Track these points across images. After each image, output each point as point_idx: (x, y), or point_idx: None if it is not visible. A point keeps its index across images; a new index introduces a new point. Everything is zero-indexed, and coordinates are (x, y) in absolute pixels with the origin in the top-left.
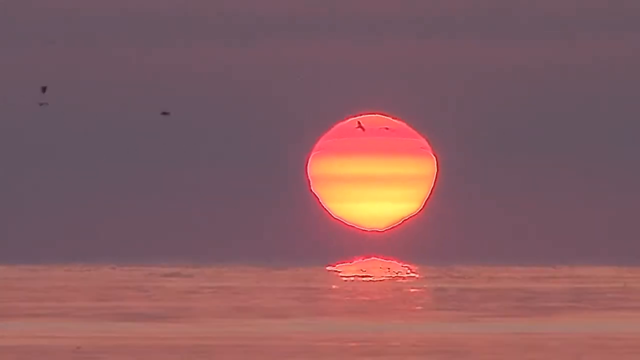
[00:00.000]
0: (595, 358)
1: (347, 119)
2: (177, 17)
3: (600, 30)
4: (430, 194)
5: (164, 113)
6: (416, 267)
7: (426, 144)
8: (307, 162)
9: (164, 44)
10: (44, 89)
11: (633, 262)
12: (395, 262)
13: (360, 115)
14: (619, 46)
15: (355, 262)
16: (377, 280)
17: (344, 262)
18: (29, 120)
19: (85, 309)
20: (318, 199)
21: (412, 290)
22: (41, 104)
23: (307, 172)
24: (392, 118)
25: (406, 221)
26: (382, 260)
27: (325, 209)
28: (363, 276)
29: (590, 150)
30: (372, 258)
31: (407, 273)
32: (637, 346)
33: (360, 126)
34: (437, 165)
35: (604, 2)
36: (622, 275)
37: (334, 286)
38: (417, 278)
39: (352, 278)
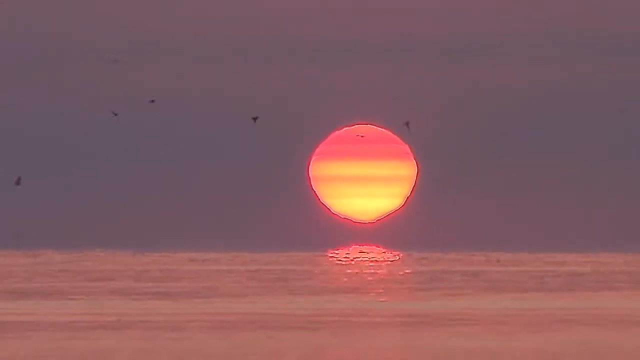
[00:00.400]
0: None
1: (342, 128)
2: (197, 48)
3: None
4: (411, 192)
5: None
6: (398, 253)
7: (408, 150)
8: (309, 165)
9: (181, 66)
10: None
11: (585, 249)
12: (381, 248)
13: (353, 125)
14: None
15: (349, 248)
16: (366, 263)
17: (340, 249)
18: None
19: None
20: (318, 196)
21: (393, 271)
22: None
23: (308, 173)
24: (381, 128)
25: (390, 215)
26: (371, 247)
27: (324, 204)
28: (355, 259)
29: (540, 157)
30: (363, 245)
31: (391, 257)
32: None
33: (360, 135)
34: (417, 168)
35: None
36: (566, 260)
37: (332, 267)
38: (398, 261)
39: (346, 261)
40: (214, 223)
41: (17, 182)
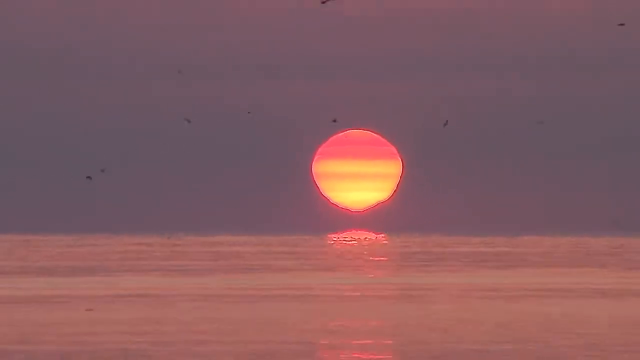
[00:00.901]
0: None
1: (339, 132)
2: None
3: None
4: (397, 186)
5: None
6: (385, 236)
7: (395, 151)
8: (312, 163)
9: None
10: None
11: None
12: (371, 232)
13: (348, 130)
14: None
15: (345, 232)
16: (360, 243)
17: (338, 233)
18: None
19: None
20: (319, 189)
21: (380, 250)
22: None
23: (312, 171)
24: (372, 132)
25: (379, 205)
26: (363, 231)
27: (324, 196)
28: (350, 241)
29: (497, 157)
30: (356, 230)
31: (379, 240)
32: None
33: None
34: (402, 166)
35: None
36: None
37: (333, 247)
38: (385, 243)
39: (344, 241)
40: (237, 213)
41: (89, 178)
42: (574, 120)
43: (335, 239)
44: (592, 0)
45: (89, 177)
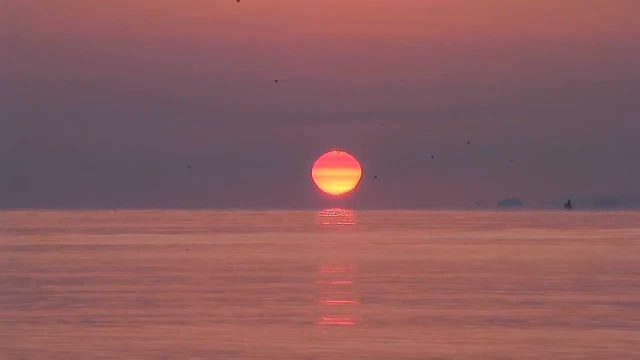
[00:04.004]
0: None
1: (327, 152)
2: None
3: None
4: (358, 182)
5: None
6: (353, 212)
7: (358, 162)
8: (311, 170)
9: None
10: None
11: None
12: (344, 209)
13: (332, 150)
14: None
15: (329, 209)
16: (338, 215)
17: (325, 210)
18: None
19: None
20: (316, 184)
21: (349, 218)
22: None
23: (311, 173)
24: (345, 152)
25: (348, 193)
26: (339, 209)
27: (318, 188)
28: (334, 215)
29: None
30: (336, 208)
31: (348, 213)
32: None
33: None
34: (361, 170)
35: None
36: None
37: (322, 218)
38: (353, 217)
39: (329, 215)
40: (264, 198)
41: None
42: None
43: (323, 213)
44: None
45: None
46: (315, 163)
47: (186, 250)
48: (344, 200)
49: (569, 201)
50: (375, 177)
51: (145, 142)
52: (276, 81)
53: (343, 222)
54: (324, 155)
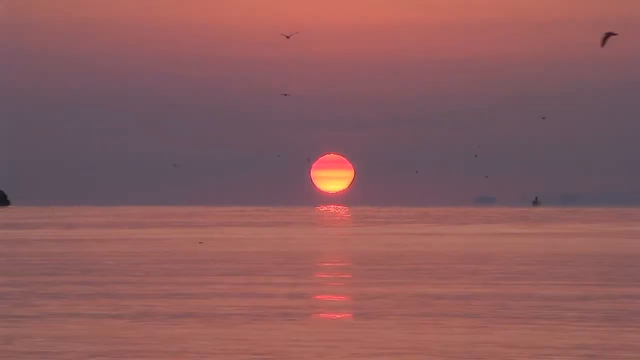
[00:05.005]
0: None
1: (323, 155)
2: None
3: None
4: (352, 181)
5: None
6: (346, 208)
7: (351, 164)
8: (310, 170)
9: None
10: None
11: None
12: (339, 205)
13: (328, 153)
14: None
15: (325, 205)
16: (333, 211)
17: (322, 206)
18: None
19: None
20: (314, 184)
21: (343, 213)
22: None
23: (310, 173)
24: (340, 155)
25: (343, 190)
26: (334, 205)
27: (317, 187)
28: (329, 210)
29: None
30: (331, 205)
31: (343, 210)
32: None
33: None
34: (354, 171)
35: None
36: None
37: (320, 214)
38: (346, 212)
39: (325, 210)
40: (267, 195)
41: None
42: None
43: (320, 208)
44: None
45: None
46: (314, 165)
47: (200, 243)
48: (339, 197)
49: (536, 198)
50: (417, 172)
51: (154, 144)
52: (285, 95)
53: (338, 217)
54: (321, 157)
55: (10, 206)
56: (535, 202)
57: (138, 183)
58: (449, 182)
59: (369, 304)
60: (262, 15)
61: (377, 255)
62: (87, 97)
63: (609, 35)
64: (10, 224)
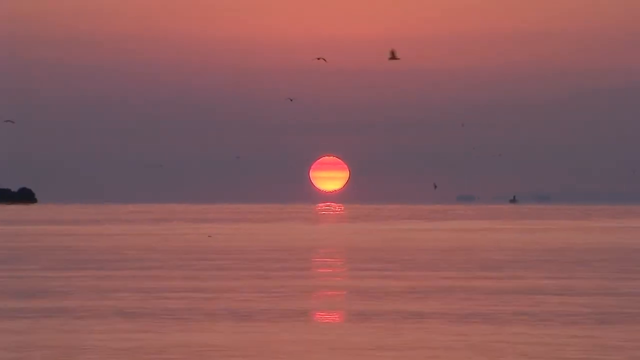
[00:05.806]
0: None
1: (321, 157)
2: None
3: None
4: (347, 181)
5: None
6: (342, 205)
7: (346, 166)
8: (309, 171)
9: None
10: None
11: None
12: (335, 203)
13: (326, 155)
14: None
15: (323, 203)
16: (331, 209)
17: (319, 204)
18: None
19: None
20: (313, 184)
21: (340, 211)
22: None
23: (309, 175)
24: (336, 157)
25: (339, 190)
26: (331, 203)
27: (314, 186)
28: (327, 208)
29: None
30: (328, 203)
31: (338, 207)
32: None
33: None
34: (349, 172)
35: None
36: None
37: (319, 211)
38: (342, 209)
39: (324, 208)
40: (268, 193)
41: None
42: None
43: (318, 207)
44: None
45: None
46: (313, 166)
47: (209, 237)
48: (335, 197)
49: (514, 197)
50: (435, 187)
51: (160, 145)
52: (290, 100)
53: (336, 213)
54: (319, 159)
55: (37, 204)
56: (513, 200)
57: (144, 183)
58: (433, 182)
59: (366, 297)
60: (267, 24)
61: (374, 250)
62: (110, 103)
63: (393, 56)
64: (53, 220)
